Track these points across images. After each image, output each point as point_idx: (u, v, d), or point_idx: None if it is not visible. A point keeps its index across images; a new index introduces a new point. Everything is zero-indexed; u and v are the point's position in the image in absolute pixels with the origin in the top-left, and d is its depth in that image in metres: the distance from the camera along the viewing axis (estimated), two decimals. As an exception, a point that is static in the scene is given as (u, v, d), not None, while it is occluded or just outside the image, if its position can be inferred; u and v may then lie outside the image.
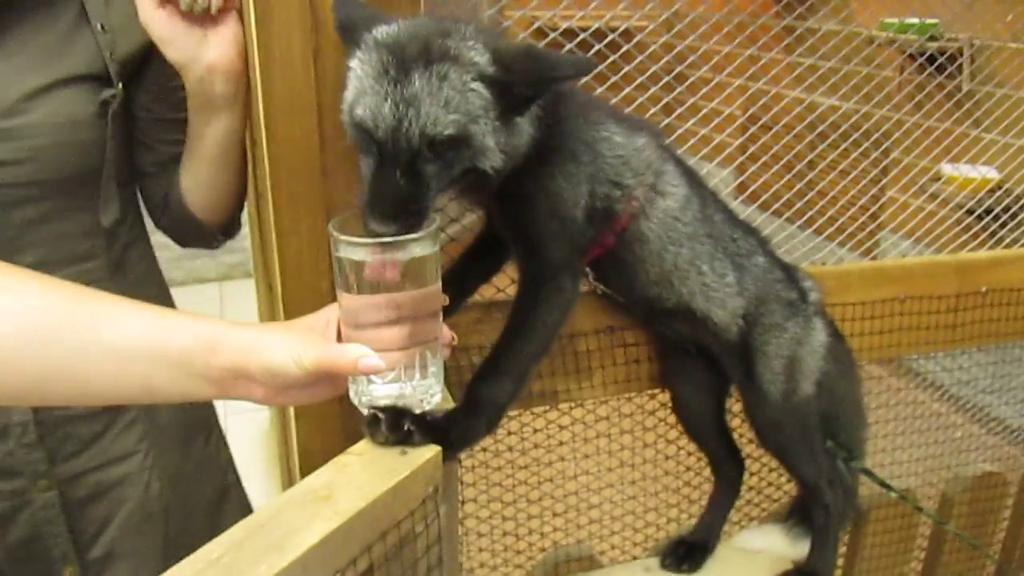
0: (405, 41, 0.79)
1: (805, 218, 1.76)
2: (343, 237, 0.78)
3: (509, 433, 1.24)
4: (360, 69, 0.80)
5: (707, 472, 1.38)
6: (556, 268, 0.96)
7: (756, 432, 1.22)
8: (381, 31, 0.81)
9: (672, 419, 1.33)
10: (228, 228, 1.25)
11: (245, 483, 1.39)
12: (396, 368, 0.82)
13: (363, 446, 0.81)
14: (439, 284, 0.84)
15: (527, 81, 0.81)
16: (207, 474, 1.31)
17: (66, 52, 1.06)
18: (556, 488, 1.32)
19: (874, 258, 3.24)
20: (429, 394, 0.85)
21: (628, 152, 1.00)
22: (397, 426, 0.82)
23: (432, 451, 0.80)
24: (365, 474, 0.75)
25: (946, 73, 3.10)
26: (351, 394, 0.85)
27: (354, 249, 0.79)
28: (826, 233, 1.90)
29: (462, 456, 1.23)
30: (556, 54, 0.82)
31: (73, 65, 1.06)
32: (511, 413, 1.20)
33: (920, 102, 2.48)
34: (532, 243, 0.95)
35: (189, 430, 1.28)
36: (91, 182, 1.10)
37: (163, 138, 1.18)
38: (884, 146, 2.78)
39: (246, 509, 1.37)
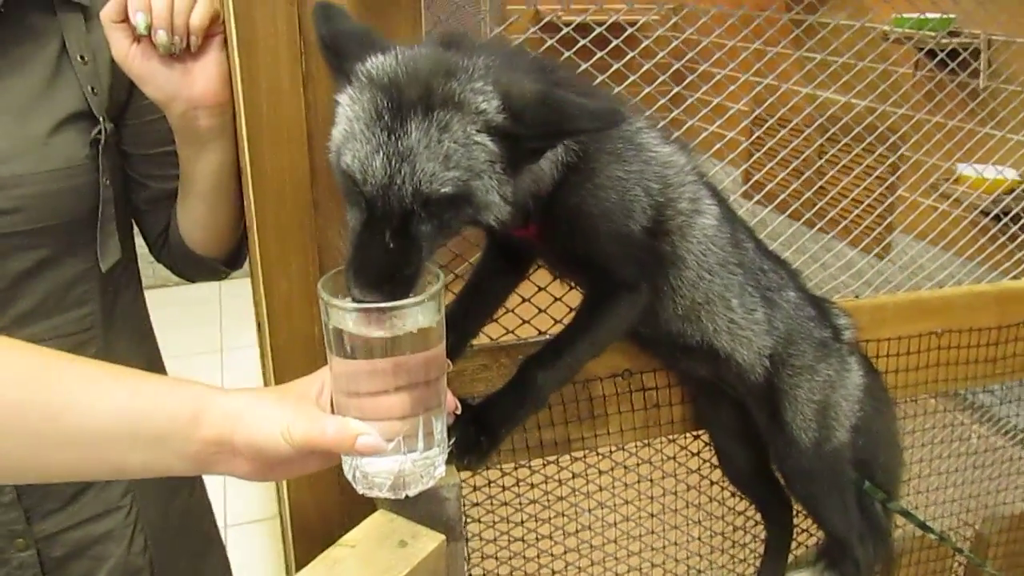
0: (403, 81, 0.68)
1: (813, 216, 1.67)
2: (335, 302, 0.69)
3: (518, 482, 1.15)
4: (351, 109, 0.69)
5: (729, 518, 1.30)
6: (630, 284, 0.90)
7: (785, 481, 1.14)
8: (376, 65, 0.70)
9: (693, 463, 1.24)
10: (232, 260, 1.18)
11: (239, 509, 1.31)
12: (396, 440, 0.73)
13: (357, 534, 0.72)
14: (443, 345, 0.75)
15: (540, 135, 0.71)
16: (191, 526, 1.24)
17: (54, 91, 0.99)
18: (554, 546, 1.23)
19: (887, 260, 3.15)
20: (432, 467, 0.76)
21: (669, 158, 0.91)
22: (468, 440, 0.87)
23: (435, 541, 0.71)
24: (359, 574, 0.66)
25: (965, 72, 2.99)
26: (344, 468, 0.76)
27: (345, 316, 0.69)
28: (833, 232, 1.80)
29: (464, 506, 1.15)
30: (577, 102, 0.70)
31: (62, 105, 1.00)
32: (520, 461, 1.11)
33: (936, 100, 2.38)
34: (599, 268, 0.89)
35: (174, 482, 1.21)
36: (86, 226, 1.04)
37: (153, 174, 1.12)
38: (896, 144, 2.68)
39: (225, 558, 1.33)
